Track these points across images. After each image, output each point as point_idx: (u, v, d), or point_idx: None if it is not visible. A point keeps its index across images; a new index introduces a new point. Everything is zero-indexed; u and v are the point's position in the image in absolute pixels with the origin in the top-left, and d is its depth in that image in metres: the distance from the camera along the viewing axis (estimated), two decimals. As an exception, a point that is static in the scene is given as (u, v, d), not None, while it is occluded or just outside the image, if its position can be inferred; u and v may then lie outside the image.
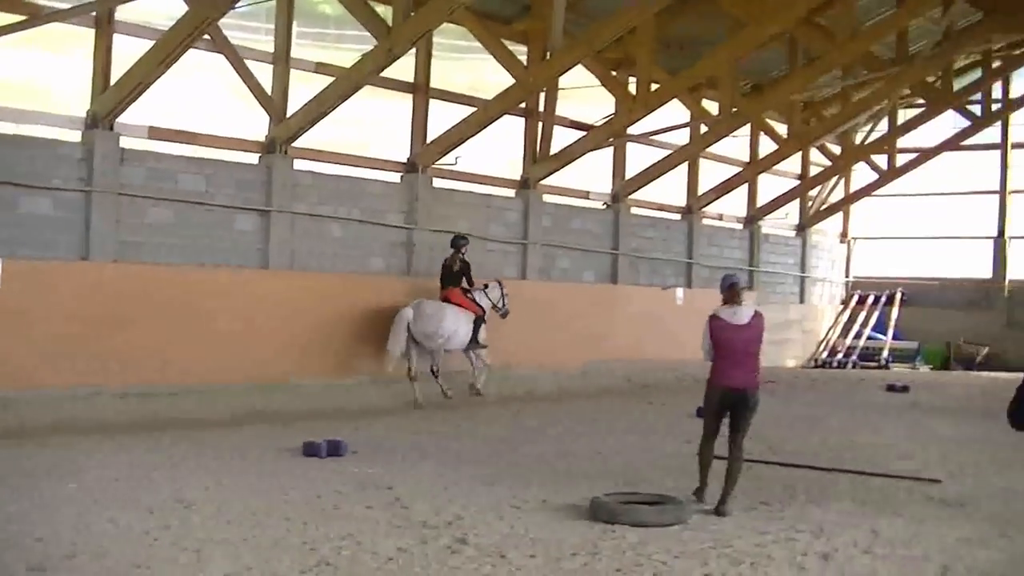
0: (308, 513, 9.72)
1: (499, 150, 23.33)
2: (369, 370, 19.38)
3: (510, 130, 23.29)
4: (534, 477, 11.99)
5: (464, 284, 19.65)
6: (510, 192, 23.60)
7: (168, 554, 8.22)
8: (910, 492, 11.83)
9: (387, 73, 19.15)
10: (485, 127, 20.83)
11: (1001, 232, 33.59)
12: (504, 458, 13.34)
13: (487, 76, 22.06)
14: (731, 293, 10.63)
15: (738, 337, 10.52)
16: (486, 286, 20.19)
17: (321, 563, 8.10)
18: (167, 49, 16.05)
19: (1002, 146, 33.54)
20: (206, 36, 16.91)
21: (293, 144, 18.90)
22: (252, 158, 18.72)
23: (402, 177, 21.01)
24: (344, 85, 18.26)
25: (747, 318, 10.55)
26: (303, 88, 18.92)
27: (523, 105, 22.86)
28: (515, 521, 9.70)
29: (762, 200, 31.39)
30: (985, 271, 33.74)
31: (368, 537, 8.88)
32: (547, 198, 24.29)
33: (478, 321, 19.57)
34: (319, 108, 18.33)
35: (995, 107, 31.93)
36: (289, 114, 18.73)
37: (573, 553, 8.61)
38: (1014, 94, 32.46)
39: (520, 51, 22.02)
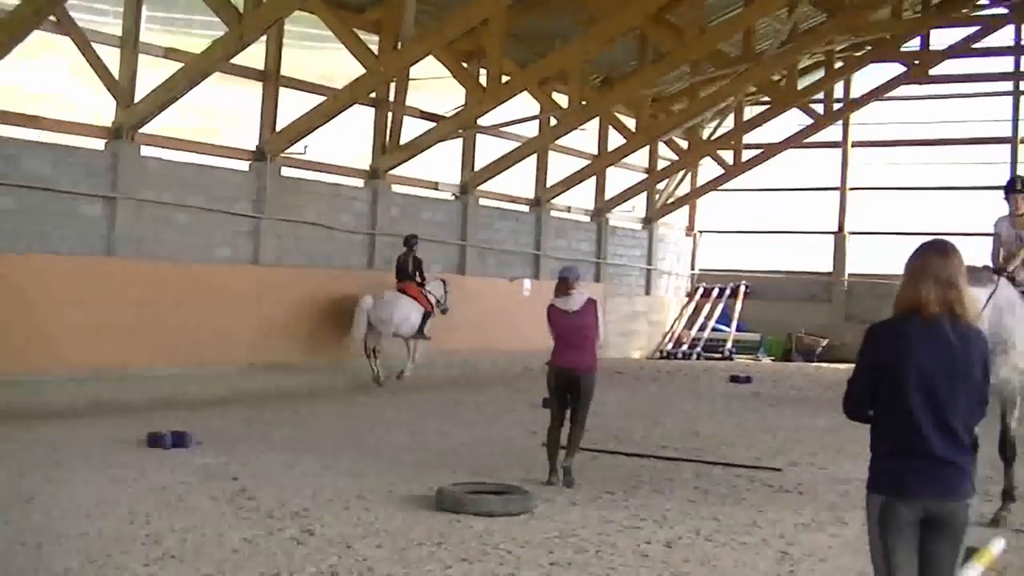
0: (152, 505, 9.59)
1: (349, 140, 23.21)
2: (216, 359, 19.19)
3: (360, 120, 23.18)
4: (380, 467, 12.01)
5: (419, 279, 21.49)
6: (359, 182, 23.51)
7: (7, 549, 8.06)
8: (751, 481, 12.14)
9: (237, 60, 18.99)
10: (335, 116, 20.78)
11: (840, 227, 34.59)
12: (350, 449, 13.33)
13: (338, 65, 21.92)
14: (561, 285, 11.61)
15: (571, 323, 11.50)
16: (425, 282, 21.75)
17: (165, 556, 8.01)
18: (11, 30, 15.61)
19: (842, 144, 34.58)
20: (52, 17, 16.51)
21: (140, 130, 18.57)
22: (98, 144, 18.33)
23: (250, 165, 20.80)
24: (193, 71, 18.07)
25: (578, 305, 11.53)
26: (152, 73, 18.59)
27: (373, 95, 22.79)
28: (361, 512, 9.71)
29: (610, 193, 31.73)
30: (825, 265, 34.68)
31: (213, 528, 8.82)
32: (396, 188, 24.31)
33: (427, 315, 21.39)
34: (168, 94, 18.09)
35: (836, 106, 32.92)
36: (137, 100, 18.41)
37: (419, 543, 8.65)
38: (855, 94, 33.59)
39: (372, 41, 21.93)
